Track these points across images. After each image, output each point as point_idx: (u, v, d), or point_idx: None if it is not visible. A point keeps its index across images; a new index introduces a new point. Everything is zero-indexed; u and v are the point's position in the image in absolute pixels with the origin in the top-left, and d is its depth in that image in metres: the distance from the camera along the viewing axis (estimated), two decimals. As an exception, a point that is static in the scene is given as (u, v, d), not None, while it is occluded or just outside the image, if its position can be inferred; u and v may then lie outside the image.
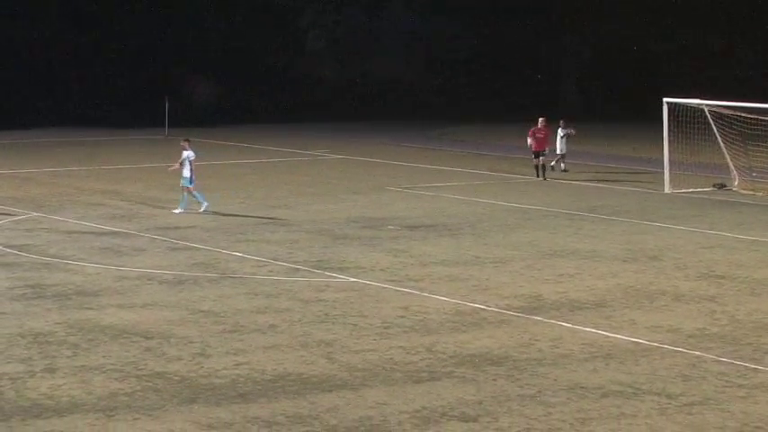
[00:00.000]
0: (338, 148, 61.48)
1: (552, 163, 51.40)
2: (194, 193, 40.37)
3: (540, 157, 48.46)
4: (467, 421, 19.09)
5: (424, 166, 54.12)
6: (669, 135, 46.77)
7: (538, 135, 48.73)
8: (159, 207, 41.84)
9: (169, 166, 42.70)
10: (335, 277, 30.08)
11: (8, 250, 33.59)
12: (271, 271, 30.88)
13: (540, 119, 49.16)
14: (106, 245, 34.48)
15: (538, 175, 48.19)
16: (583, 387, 20.86)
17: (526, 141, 49.56)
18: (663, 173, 46.63)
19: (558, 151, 51.90)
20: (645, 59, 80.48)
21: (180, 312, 26.23)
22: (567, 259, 32.51)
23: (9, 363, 22.25)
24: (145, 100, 70.65)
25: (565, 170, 51.33)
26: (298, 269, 31.09)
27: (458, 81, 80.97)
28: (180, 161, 40.59)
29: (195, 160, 40.78)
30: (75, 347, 23.37)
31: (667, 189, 45.79)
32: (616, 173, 51.86)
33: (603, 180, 49.93)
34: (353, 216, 39.82)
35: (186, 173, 40.22)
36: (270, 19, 78.64)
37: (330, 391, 20.68)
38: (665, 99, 47.02)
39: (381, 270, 30.96)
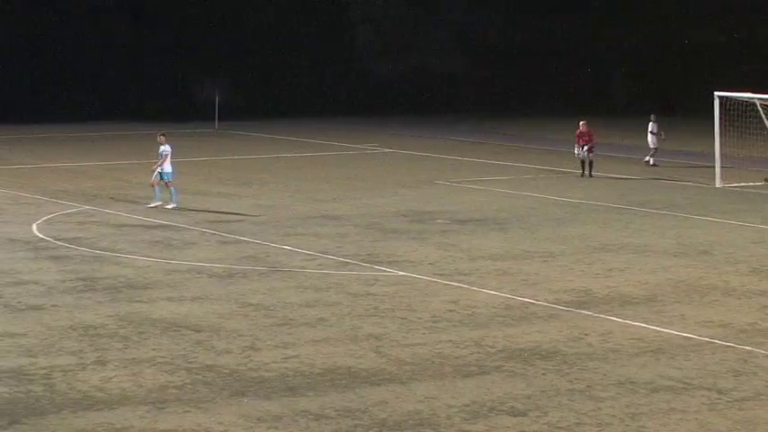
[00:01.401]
0: (386, 142, 61.52)
1: (646, 158, 51.43)
2: (171, 191, 40.28)
3: (590, 154, 48.07)
4: (516, 416, 19.03)
5: (472, 160, 54.07)
6: (720, 129, 46.52)
7: (582, 138, 48.32)
8: (209, 200, 41.95)
9: (153, 165, 42.37)
10: (385, 271, 30.07)
11: (60, 243, 33.77)
12: (320, 264, 30.91)
13: (581, 122, 48.76)
14: (156, 238, 34.62)
15: (588, 173, 47.77)
16: (633, 382, 20.76)
17: (574, 149, 49.15)
18: (714, 167, 46.40)
19: (651, 146, 51.80)
20: (694, 52, 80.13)
21: (229, 306, 26.30)
22: (617, 254, 32.38)
23: (60, 355, 22.36)
24: (194, 94, 70.86)
25: (654, 164, 51.08)
26: (347, 263, 31.10)
27: (505, 75, 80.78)
28: (161, 158, 40.42)
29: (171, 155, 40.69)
30: (126, 340, 23.47)
31: (718, 183, 45.59)
32: (667, 167, 51.60)
33: (654, 174, 49.71)
34: (402, 210, 39.82)
35: (168, 167, 40.18)
36: (319, 14, 78.75)
37: (379, 384, 20.67)
38: (716, 93, 46.70)
39: (430, 264, 30.93)
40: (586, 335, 23.84)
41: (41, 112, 69.18)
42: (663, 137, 51.68)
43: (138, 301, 26.71)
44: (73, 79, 72.49)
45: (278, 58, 76.59)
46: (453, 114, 73.33)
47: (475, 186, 45.73)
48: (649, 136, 52.05)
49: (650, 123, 52.22)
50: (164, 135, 41.37)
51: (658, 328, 24.32)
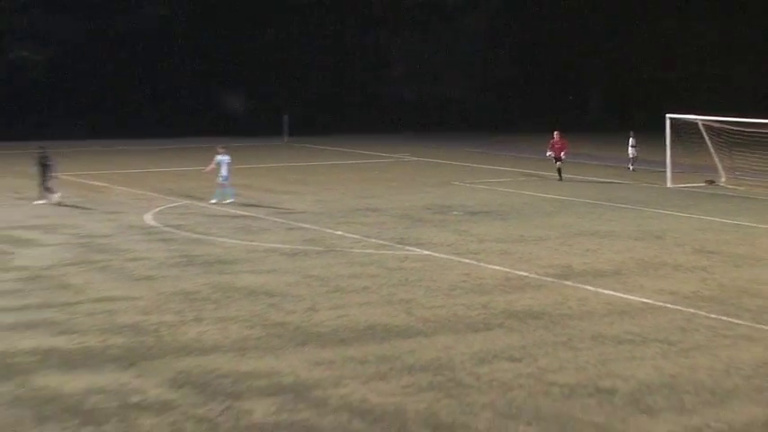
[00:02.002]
0: (415, 152, 61.56)
1: (628, 165, 51.26)
2: (225, 189, 40.19)
3: (558, 163, 47.86)
4: (513, 361, 19.12)
5: (482, 166, 54.05)
6: (671, 142, 46.56)
7: (555, 146, 48.16)
8: (279, 197, 42.09)
9: (203, 169, 42.43)
10: (413, 251, 30.15)
11: (166, 229, 34.00)
12: (364, 246, 31.01)
13: (555, 132, 48.39)
14: (240, 225, 34.79)
15: (560, 177, 47.52)
16: (603, 336, 20.82)
17: (546, 152, 48.99)
18: (666, 172, 46.31)
19: (631, 156, 51.55)
20: (651, 83, 79.89)
21: (295, 277, 26.43)
22: (591, 238, 32.39)
23: (167, 314, 22.56)
24: (270, 115, 71.00)
25: (634, 170, 50.78)
26: (384, 244, 31.19)
27: (507, 99, 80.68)
28: (213, 164, 40.49)
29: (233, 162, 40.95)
30: (216, 303, 23.64)
31: (669, 184, 45.50)
32: (629, 172, 51.46)
33: (620, 177, 49.61)
34: (427, 204, 39.89)
35: (224, 172, 40.13)
36: (365, 53, 78.82)
37: (409, 337, 20.78)
38: (667, 115, 46.86)
39: (448, 245, 31.00)
40: (567, 300, 23.89)
41: (144, 129, 69.38)
42: (637, 147, 51.31)
43: (225, 273, 26.90)
44: (174, 102, 72.60)
45: (332, 87, 76.69)
46: (466, 130, 73.19)
47: (483, 186, 45.74)
48: (630, 149, 51.80)
49: (630, 138, 51.94)
50: (223, 147, 41.33)
51: (623, 295, 24.34)
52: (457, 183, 47.06)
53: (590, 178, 48.90)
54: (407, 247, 30.65)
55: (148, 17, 70.90)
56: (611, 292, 24.67)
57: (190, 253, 29.72)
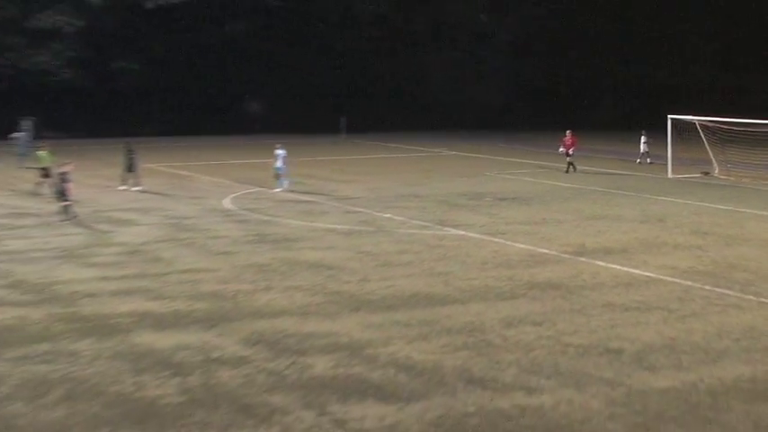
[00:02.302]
0: (452, 147, 61.44)
1: (641, 159, 50.57)
2: (282, 179, 40.12)
3: (568, 157, 47.38)
4: (535, 325, 19.12)
5: (509, 159, 53.85)
6: (671, 139, 46.20)
7: (566, 143, 47.67)
8: (337, 185, 42.19)
9: (269, 161, 42.54)
10: (451, 231, 30.16)
11: (242, 212, 34.21)
12: (409, 227, 31.05)
13: (567, 131, 48.01)
14: (304, 209, 34.93)
15: (567, 171, 47.03)
16: (612, 304, 20.75)
17: (560, 149, 48.44)
18: (667, 164, 45.94)
19: (642, 151, 50.85)
20: (656, 87, 79.18)
21: (350, 253, 26.52)
22: (602, 221, 32.22)
23: (242, 283, 22.73)
24: (330, 116, 71.06)
25: (651, 163, 49.98)
26: (426, 225, 31.21)
27: (533, 102, 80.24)
28: (275, 157, 40.42)
29: (287, 156, 40.73)
30: (284, 274, 23.78)
31: (669, 175, 45.11)
32: (636, 164, 51.10)
33: (627, 169, 49.27)
34: (462, 191, 39.83)
35: (280, 164, 40.12)
36: (409, 65, 78.69)
37: (446, 304, 20.82)
38: (669, 115, 46.51)
39: (480, 226, 30.97)
40: (582, 273, 23.82)
41: (221, 127, 69.63)
42: (651, 141, 50.52)
43: (291, 249, 27.03)
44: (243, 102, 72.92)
45: (384, 92, 76.65)
46: (497, 129, 72.89)
47: (510, 177, 45.59)
48: (642, 144, 51.23)
49: (642, 136, 51.37)
50: (280, 144, 41.28)
51: (629, 270, 24.23)
52: (488, 173, 46.94)
53: (601, 170, 48.59)
54: (445, 228, 30.66)
55: (223, 32, 71.22)
56: (619, 267, 24.56)
57: (261, 232, 29.89)
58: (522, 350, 17.51)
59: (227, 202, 36.51)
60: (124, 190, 39.53)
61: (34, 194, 37.94)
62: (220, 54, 71.73)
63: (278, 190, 39.73)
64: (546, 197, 38.09)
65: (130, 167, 40.53)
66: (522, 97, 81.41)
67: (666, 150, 46.43)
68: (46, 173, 38.22)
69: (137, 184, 40.10)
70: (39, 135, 61.77)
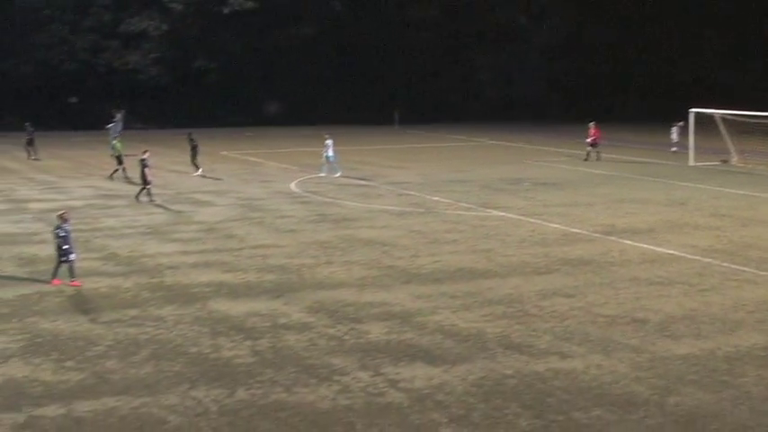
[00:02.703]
0: (494, 138, 61.07)
1: (672, 148, 49.18)
2: (334, 165, 39.88)
3: (590, 147, 46.22)
4: (568, 297, 19.00)
5: (545, 149, 53.39)
6: (693, 130, 45.47)
7: (591, 133, 46.57)
8: (390, 171, 42.16)
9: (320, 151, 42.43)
10: (492, 212, 30.01)
11: (306, 194, 34.34)
12: (455, 208, 30.96)
13: (591, 123, 47.09)
14: (361, 192, 34.96)
15: (586, 158, 45.61)
16: (638, 279, 20.55)
17: (587, 140, 47.36)
18: (689, 153, 45.24)
19: (674, 140, 49.53)
20: (679, 83, 77.81)
21: (402, 231, 26.51)
22: (630, 204, 31.86)
23: (306, 258, 22.83)
24: (385, 109, 70.84)
25: (675, 152, 48.71)
26: (471, 207, 31.10)
27: (567, 97, 79.28)
28: (324, 146, 40.17)
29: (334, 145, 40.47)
30: (343, 250, 23.84)
31: (691, 163, 44.39)
32: (659, 152, 50.39)
33: (652, 157, 48.62)
34: (503, 177, 39.58)
35: (330, 153, 39.90)
36: (459, 65, 78.19)
37: (488, 278, 20.75)
38: (690, 109, 45.75)
39: (519, 208, 30.78)
40: (611, 251, 23.60)
41: (286, 118, 69.78)
42: (682, 124, 49.08)
43: (350, 228, 27.08)
44: (322, 96, 72.74)
45: (434, 86, 76.23)
46: (536, 122, 72.30)
47: (546, 164, 45.19)
48: (673, 135, 50.09)
49: (674, 127, 50.21)
50: (328, 133, 41.17)
51: (654, 248, 23.95)
52: (526, 161, 46.59)
53: (629, 158, 47.98)
54: (488, 210, 30.51)
55: (291, 34, 71.29)
56: (645, 246, 24.28)
57: (323, 212, 29.98)
58: (556, 319, 17.40)
59: (293, 186, 36.65)
60: (199, 175, 39.75)
61: (121, 179, 38.33)
62: (289, 54, 71.86)
63: (322, 175, 39.55)
64: (578, 182, 37.73)
65: (194, 155, 40.76)
66: (557, 92, 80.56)
67: (688, 140, 45.73)
68: (119, 160, 39.07)
69: (198, 169, 40.26)
70: (127, 126, 62.65)
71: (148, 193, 32.38)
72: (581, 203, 31.91)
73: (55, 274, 20.10)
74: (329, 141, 40.22)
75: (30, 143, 47.19)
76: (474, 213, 29.80)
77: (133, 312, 17.91)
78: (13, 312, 17.92)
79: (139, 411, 12.92)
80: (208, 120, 68.92)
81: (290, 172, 41.60)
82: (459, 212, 29.99)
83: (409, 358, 15.18)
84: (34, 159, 46.21)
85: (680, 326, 16.99)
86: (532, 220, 28.35)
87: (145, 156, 32.96)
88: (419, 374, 14.40)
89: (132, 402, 13.23)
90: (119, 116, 57.63)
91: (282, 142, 58.35)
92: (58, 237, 20.04)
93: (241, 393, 13.61)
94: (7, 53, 65.54)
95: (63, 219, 20.20)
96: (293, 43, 71.93)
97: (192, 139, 41.20)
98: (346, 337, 16.29)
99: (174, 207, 31.30)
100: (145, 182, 32.40)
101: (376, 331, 16.64)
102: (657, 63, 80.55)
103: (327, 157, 40.16)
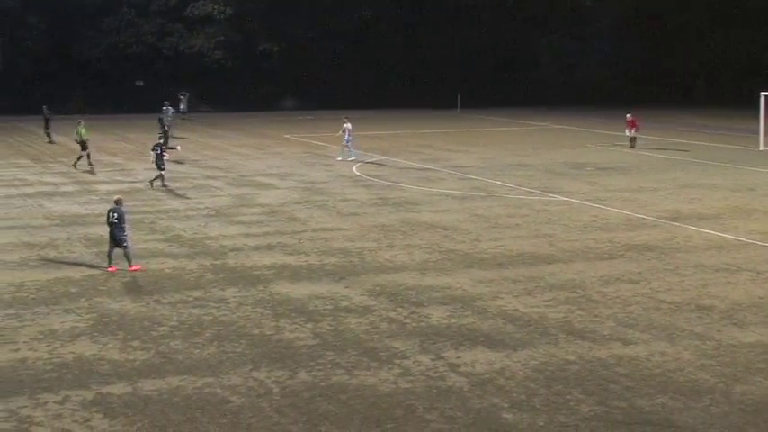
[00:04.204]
0: (557, 122, 60.50)
1: None
2: (349, 150, 39.35)
3: (633, 132, 44.97)
4: (632, 283, 18.80)
5: (609, 133, 52.71)
6: (764, 114, 44.41)
7: (628, 122, 45.38)
8: (452, 155, 42.05)
9: (336, 134, 42.06)
10: (555, 197, 29.77)
11: (368, 178, 34.41)
12: (517, 193, 30.78)
13: (628, 114, 45.47)
14: (422, 176, 34.93)
15: (631, 146, 44.61)
16: (704, 265, 20.23)
17: (628, 121, 46.03)
18: (758, 137, 44.24)
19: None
20: (749, 66, 76.01)
21: (463, 215, 26.46)
22: (696, 189, 31.34)
23: (367, 242, 22.92)
24: (447, 93, 70.55)
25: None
26: (533, 192, 30.89)
27: (631, 82, 78.03)
28: (342, 130, 39.56)
29: (353, 130, 39.96)
30: (404, 234, 23.88)
31: (761, 147, 43.44)
32: (731, 137, 49.41)
33: (720, 141, 47.69)
34: (566, 161, 39.22)
35: (347, 136, 39.36)
36: (520, 52, 77.34)
37: (551, 263, 20.61)
38: (762, 93, 44.65)
39: (582, 193, 30.48)
40: (676, 237, 23.26)
41: (350, 101, 69.89)
42: None
43: (411, 212, 27.10)
44: (370, 81, 72.78)
45: (496, 70, 75.62)
46: (597, 106, 71.41)
47: (609, 148, 44.66)
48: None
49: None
50: (347, 117, 40.59)
51: (721, 234, 23.55)
52: (589, 145, 46.09)
53: (696, 142, 47.16)
54: (550, 195, 30.27)
55: (354, 18, 71.29)
56: (711, 232, 23.88)
57: (385, 196, 30.03)
58: (619, 305, 17.22)
59: (355, 169, 36.75)
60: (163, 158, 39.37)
61: (86, 166, 36.98)
62: (353, 37, 71.93)
63: (339, 159, 39.21)
64: (643, 167, 37.20)
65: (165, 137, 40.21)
66: (622, 76, 79.38)
67: (758, 125, 44.72)
68: (84, 146, 37.01)
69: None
70: (192, 109, 63.36)
71: (161, 179, 31.80)
72: (645, 188, 31.46)
73: (110, 261, 19.95)
74: (347, 126, 39.61)
75: (47, 125, 47.30)
76: (536, 198, 29.58)
77: (197, 293, 18.17)
78: (81, 292, 18.31)
79: (203, 391, 13.13)
80: (270, 103, 69.48)
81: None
82: (521, 197, 29.80)
83: (470, 342, 15.16)
84: (49, 143, 46.07)
85: (747, 314, 16.68)
86: (596, 206, 28.05)
87: (160, 142, 32.95)
88: (480, 359, 14.37)
89: (196, 382, 13.44)
90: (183, 99, 58.38)
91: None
92: (110, 222, 19.82)
93: (302, 375, 13.73)
94: (76, 37, 66.74)
95: (117, 203, 20.14)
96: (356, 26, 71.99)
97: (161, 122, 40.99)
98: (407, 321, 16.33)
99: (237, 189, 31.61)
100: (159, 168, 31.80)
101: (437, 315, 16.65)
102: (729, 45, 78.72)
103: (346, 141, 39.49)
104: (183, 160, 38.91)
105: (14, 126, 55.99)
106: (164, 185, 31.74)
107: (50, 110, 48.38)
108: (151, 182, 31.94)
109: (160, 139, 33.17)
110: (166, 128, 44.25)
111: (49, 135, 47.07)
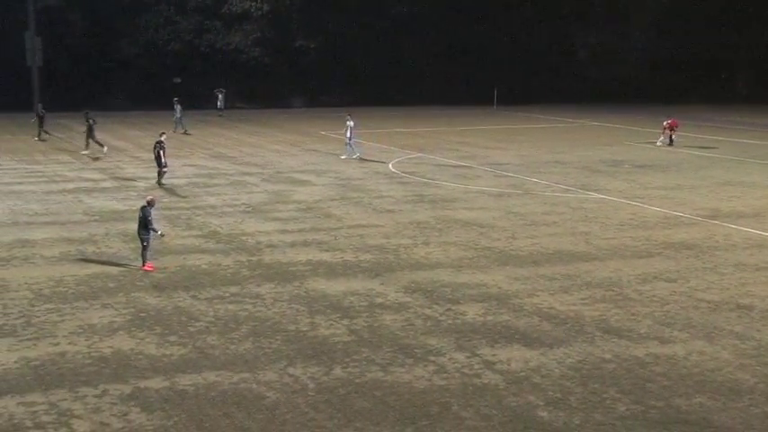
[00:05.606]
0: (594, 119, 60.08)
1: None
2: (353, 148, 39.07)
3: (671, 133, 44.35)
4: (669, 281, 18.64)
5: (647, 130, 52.25)
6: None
7: (665, 127, 44.73)
8: (488, 152, 41.91)
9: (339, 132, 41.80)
10: (591, 195, 29.59)
11: (404, 175, 34.40)
12: (553, 190, 30.62)
13: (665, 122, 44.58)
14: (458, 173, 34.87)
15: (671, 144, 44.30)
16: (743, 264, 20.01)
17: (665, 127, 45.38)
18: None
19: None
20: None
21: (499, 213, 26.37)
22: (736, 187, 30.99)
23: (403, 239, 22.92)
24: (482, 89, 70.37)
25: None
26: (569, 189, 30.72)
27: (671, 79, 77.25)
28: (345, 128, 39.23)
29: (354, 127, 39.53)
30: (440, 231, 23.86)
31: (803, 144, 42.97)
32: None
33: (761, 138, 47.10)
34: (603, 158, 38.96)
35: (348, 133, 38.98)
36: (560, 46, 76.93)
37: (587, 261, 20.49)
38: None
39: (619, 191, 30.27)
40: (714, 235, 23.03)
41: (384, 98, 69.90)
42: None
43: (447, 209, 27.07)
44: (412, 78, 72.73)
45: (533, 67, 75.23)
46: (636, 102, 70.81)
47: (646, 145, 44.29)
48: None
49: None
50: (349, 114, 40.34)
51: (760, 233, 23.27)
52: (627, 142, 45.73)
53: (735, 140, 46.61)
54: (587, 192, 30.08)
55: (390, 14, 71.31)
56: (751, 230, 23.60)
57: (420, 193, 30.02)
58: (657, 304, 17.08)
59: (391, 166, 36.76)
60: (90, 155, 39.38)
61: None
62: (388, 34, 71.95)
63: (343, 157, 39.10)
64: (681, 165, 36.86)
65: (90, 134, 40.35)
66: (661, 72, 78.60)
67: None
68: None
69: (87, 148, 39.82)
70: (229, 105, 63.75)
71: (161, 175, 31.70)
72: (684, 186, 31.17)
73: (144, 260, 20.00)
74: (350, 123, 39.29)
75: (40, 123, 47.33)
76: (573, 195, 29.42)
77: (233, 289, 18.28)
78: (119, 287, 18.51)
79: (239, 387, 13.22)
80: (306, 99, 69.65)
81: (388, 152, 41.71)
82: (557, 194, 29.65)
83: (506, 340, 15.12)
84: (37, 140, 45.47)
85: (787, 313, 16.49)
86: (633, 203, 27.84)
87: (162, 138, 32.74)
88: (516, 356, 14.34)
89: (232, 378, 13.54)
90: (220, 96, 58.90)
91: (381, 122, 58.51)
92: (141, 220, 19.70)
93: (338, 371, 13.78)
94: (115, 34, 67.37)
95: (149, 203, 19.98)
96: (392, 22, 72.00)
97: (88, 119, 40.72)
98: (443, 318, 16.32)
99: (273, 186, 31.75)
100: (160, 165, 31.72)
101: (472, 312, 16.62)
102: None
103: (348, 139, 39.25)
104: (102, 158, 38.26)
105: (56, 123, 56.63)
106: (159, 183, 31.66)
107: (45, 108, 48.52)
108: (158, 181, 32.02)
109: (161, 136, 32.93)
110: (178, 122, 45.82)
111: (40, 134, 46.60)
